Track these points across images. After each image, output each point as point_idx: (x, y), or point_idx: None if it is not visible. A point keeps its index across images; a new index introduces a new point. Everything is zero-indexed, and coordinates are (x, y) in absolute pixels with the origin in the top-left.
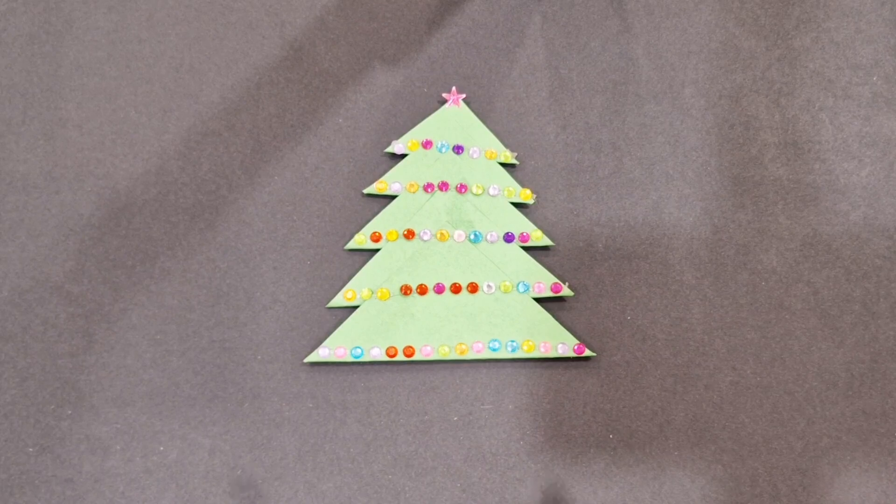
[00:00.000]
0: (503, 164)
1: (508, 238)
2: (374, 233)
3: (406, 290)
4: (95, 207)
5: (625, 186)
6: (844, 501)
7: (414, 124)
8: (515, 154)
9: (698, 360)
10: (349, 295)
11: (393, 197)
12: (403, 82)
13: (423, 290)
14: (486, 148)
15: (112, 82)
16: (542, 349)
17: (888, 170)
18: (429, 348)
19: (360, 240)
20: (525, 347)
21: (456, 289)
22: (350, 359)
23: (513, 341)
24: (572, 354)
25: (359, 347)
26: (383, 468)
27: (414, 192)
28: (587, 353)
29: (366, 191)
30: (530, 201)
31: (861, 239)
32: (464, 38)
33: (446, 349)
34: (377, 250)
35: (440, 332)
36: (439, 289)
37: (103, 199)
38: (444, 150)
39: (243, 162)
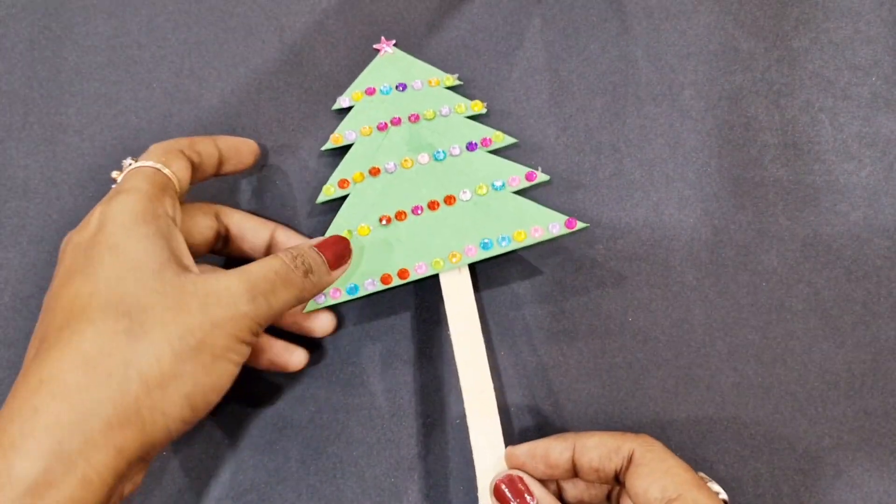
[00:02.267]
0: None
1: (471, 147)
2: (341, 180)
3: (386, 220)
4: None
5: (625, 188)
6: (847, 501)
7: None
8: (457, 76)
9: (700, 362)
10: None
11: (350, 146)
12: None
13: (401, 215)
14: (428, 78)
15: (112, 87)
16: (535, 234)
17: (888, 170)
18: (423, 266)
19: (329, 191)
20: (516, 237)
21: (433, 205)
22: (346, 297)
23: (503, 236)
24: (565, 231)
25: (353, 284)
26: (386, 471)
27: (369, 135)
28: (579, 225)
29: (323, 148)
30: (482, 111)
31: (861, 239)
32: (463, 41)
33: (440, 262)
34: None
35: (429, 249)
36: (417, 210)
37: None
38: (387, 91)
39: None
